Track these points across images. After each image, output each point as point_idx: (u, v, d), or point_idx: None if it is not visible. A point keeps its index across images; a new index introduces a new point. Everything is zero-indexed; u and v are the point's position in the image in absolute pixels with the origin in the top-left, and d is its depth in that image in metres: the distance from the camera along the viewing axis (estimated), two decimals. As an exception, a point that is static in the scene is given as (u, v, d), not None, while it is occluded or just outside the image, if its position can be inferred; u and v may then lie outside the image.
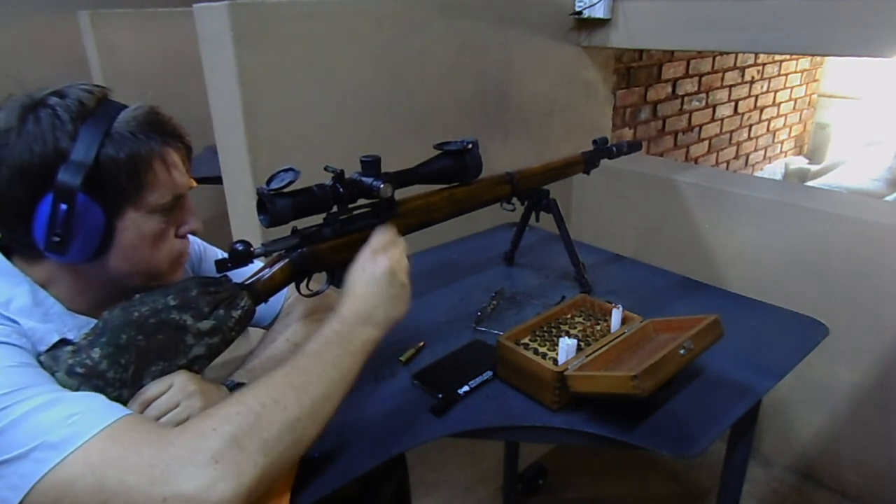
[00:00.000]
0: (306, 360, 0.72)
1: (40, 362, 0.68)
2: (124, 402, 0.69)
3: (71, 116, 0.68)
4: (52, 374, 0.67)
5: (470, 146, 1.01)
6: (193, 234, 0.82)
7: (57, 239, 0.68)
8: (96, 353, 0.68)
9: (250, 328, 0.90)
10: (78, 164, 0.67)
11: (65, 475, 0.58)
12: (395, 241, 0.86)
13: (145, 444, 0.60)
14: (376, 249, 0.83)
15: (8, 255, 0.74)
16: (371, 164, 0.89)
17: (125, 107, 0.73)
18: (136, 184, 0.72)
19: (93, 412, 0.62)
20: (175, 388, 0.72)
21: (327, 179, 0.86)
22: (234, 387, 0.81)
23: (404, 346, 1.07)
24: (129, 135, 0.71)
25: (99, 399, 0.65)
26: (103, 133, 0.69)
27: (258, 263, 0.94)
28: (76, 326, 0.74)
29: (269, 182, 0.80)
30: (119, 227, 0.72)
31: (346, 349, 0.75)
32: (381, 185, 0.88)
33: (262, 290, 0.83)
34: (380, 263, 0.81)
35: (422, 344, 1.06)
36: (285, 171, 0.80)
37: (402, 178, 0.94)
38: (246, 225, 1.56)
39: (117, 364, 0.69)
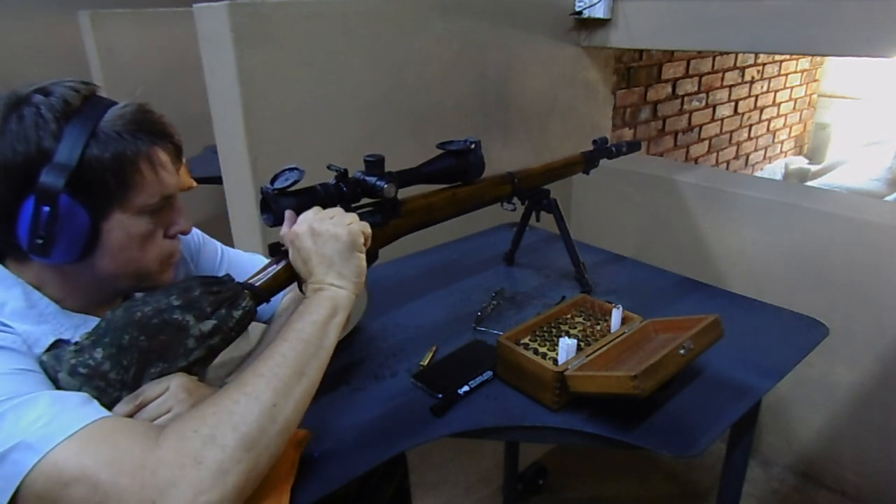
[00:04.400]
0: (270, 348, 0.71)
1: (41, 363, 0.67)
2: None
3: (55, 115, 0.66)
4: (55, 373, 0.66)
5: (473, 146, 1.01)
6: (183, 234, 0.81)
7: (40, 241, 0.66)
8: (99, 353, 0.68)
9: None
10: (61, 165, 0.65)
11: (46, 470, 0.56)
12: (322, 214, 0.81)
13: (135, 445, 0.59)
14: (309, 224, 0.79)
15: (1, 258, 0.73)
16: (375, 164, 0.89)
17: (113, 104, 0.71)
18: (122, 185, 0.70)
19: (68, 413, 0.60)
20: (170, 392, 0.71)
21: (329, 178, 0.86)
22: None
23: (405, 347, 1.07)
24: (115, 134, 0.69)
25: (77, 400, 0.63)
26: (88, 133, 0.67)
27: (263, 260, 0.93)
28: (72, 326, 0.74)
29: (273, 181, 0.80)
30: (105, 228, 0.71)
31: (307, 320, 0.74)
32: (385, 185, 0.88)
33: (264, 290, 0.82)
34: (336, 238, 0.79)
35: (436, 348, 1.06)
36: (290, 170, 0.80)
37: (406, 178, 0.94)
38: (246, 225, 1.56)
39: (119, 365, 0.69)
